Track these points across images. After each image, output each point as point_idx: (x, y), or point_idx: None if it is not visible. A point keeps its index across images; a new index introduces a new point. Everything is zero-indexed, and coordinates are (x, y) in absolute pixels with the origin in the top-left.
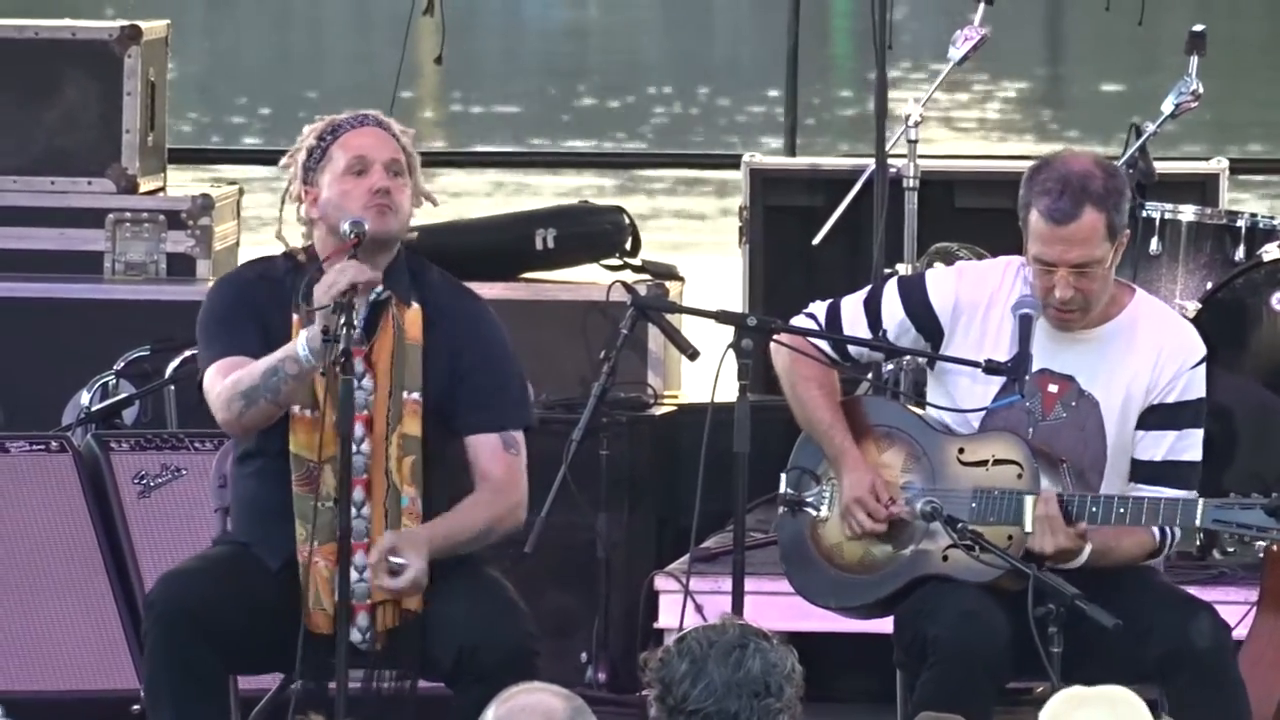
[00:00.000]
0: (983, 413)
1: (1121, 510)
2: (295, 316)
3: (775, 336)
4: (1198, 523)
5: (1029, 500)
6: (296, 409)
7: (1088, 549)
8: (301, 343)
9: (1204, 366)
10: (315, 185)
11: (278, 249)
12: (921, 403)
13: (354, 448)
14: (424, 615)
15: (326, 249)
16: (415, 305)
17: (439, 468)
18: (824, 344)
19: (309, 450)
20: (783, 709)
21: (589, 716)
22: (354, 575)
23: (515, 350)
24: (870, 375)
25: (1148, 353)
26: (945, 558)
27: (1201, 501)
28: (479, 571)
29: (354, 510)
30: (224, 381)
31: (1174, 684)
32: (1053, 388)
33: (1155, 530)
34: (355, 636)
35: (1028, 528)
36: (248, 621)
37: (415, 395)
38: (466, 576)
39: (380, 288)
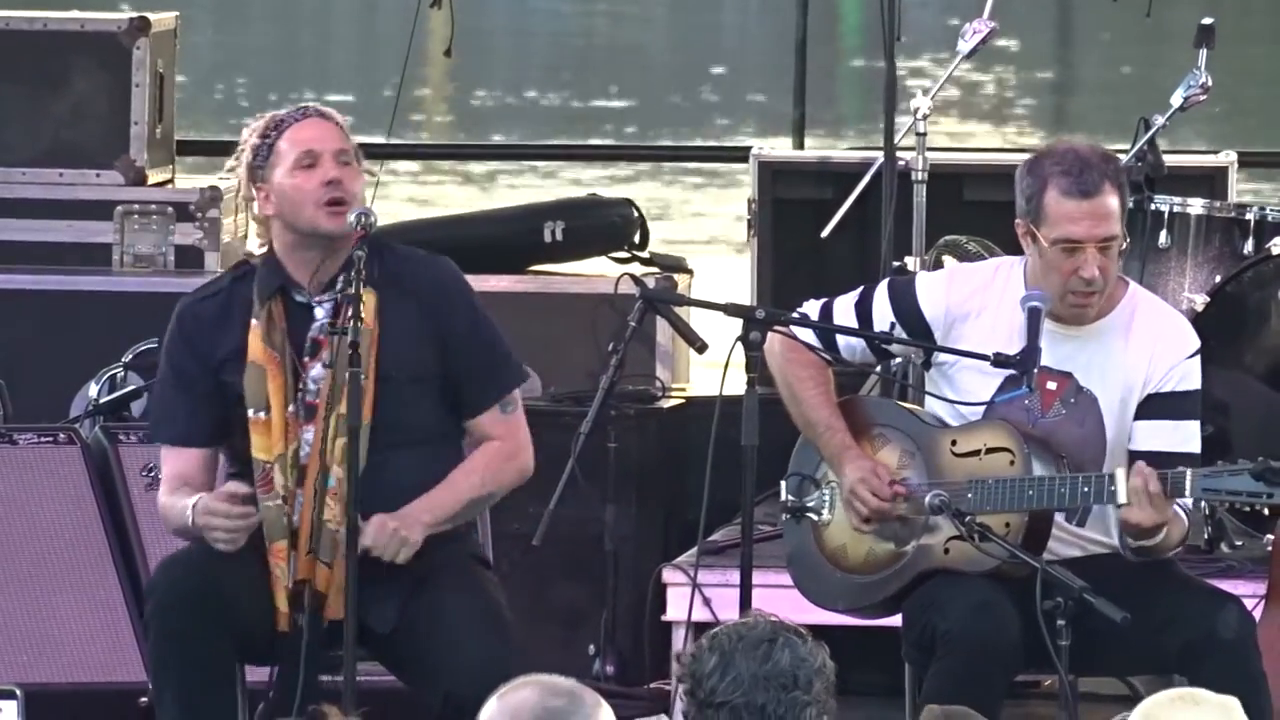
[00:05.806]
0: (983, 409)
1: (1112, 488)
2: (253, 322)
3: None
4: (1187, 494)
5: (1120, 473)
6: (251, 412)
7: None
8: (188, 515)
9: (1199, 358)
10: (265, 182)
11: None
12: (924, 396)
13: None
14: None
15: (284, 244)
16: (370, 290)
17: (402, 446)
18: (815, 340)
19: (263, 452)
20: (811, 702)
21: (579, 713)
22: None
23: (482, 306)
24: (879, 369)
25: (1144, 345)
26: (947, 550)
27: (1190, 472)
28: (478, 588)
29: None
30: (162, 494)
31: (1197, 674)
32: (1051, 385)
33: (1178, 510)
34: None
35: (1121, 499)
36: (253, 609)
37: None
38: (465, 592)
39: (341, 279)
